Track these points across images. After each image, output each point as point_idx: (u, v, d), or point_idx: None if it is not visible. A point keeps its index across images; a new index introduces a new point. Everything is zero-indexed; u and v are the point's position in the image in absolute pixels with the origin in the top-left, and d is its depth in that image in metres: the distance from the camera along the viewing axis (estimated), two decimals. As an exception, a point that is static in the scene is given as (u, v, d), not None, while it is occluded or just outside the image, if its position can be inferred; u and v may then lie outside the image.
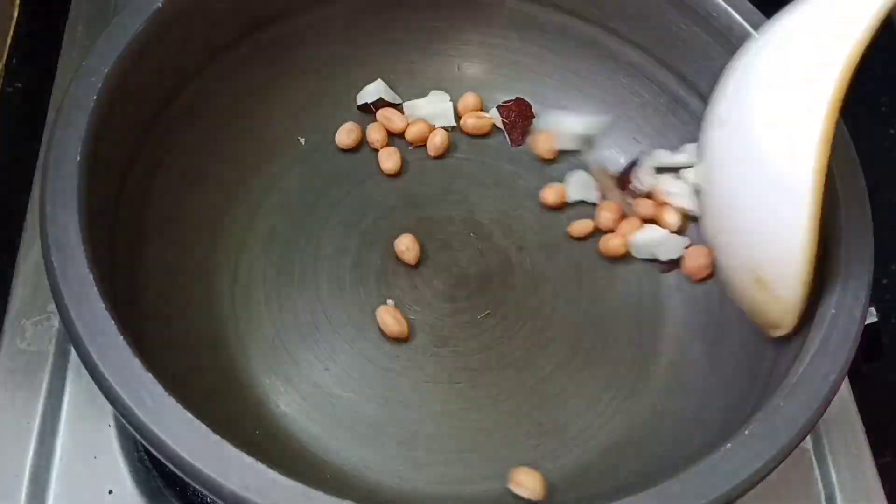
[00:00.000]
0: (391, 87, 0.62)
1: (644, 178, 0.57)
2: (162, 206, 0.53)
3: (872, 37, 0.40)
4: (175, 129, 0.54)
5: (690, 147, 0.57)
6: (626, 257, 0.58)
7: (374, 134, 0.60)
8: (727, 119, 0.46)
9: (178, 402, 0.38)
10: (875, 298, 0.48)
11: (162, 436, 0.38)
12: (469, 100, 0.62)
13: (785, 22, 0.45)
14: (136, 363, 0.39)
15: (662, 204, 0.57)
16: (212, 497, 0.38)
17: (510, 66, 0.63)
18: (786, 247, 0.42)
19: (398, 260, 0.56)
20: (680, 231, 0.57)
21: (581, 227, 0.58)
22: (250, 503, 0.37)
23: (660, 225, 0.57)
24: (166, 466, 0.39)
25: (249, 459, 0.37)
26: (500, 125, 0.62)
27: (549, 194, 0.59)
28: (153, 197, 0.52)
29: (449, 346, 0.54)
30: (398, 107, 0.62)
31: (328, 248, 0.56)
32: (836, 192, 0.47)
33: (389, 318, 0.53)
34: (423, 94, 0.62)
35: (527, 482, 0.49)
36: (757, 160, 0.43)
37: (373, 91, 0.61)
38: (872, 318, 0.55)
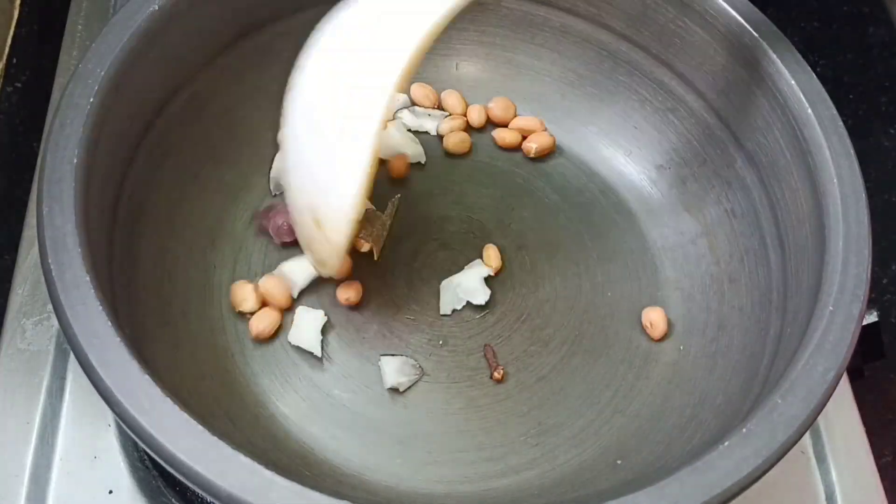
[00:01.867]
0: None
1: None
2: (160, 207, 0.53)
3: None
4: (173, 130, 0.54)
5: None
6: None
7: None
8: (308, 74, 0.49)
9: (175, 403, 0.38)
10: (875, 298, 0.48)
11: (160, 438, 0.38)
12: (454, 122, 0.62)
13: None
14: (134, 365, 0.39)
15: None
16: (211, 498, 0.38)
17: (508, 65, 0.63)
18: (342, 197, 0.47)
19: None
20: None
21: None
22: (248, 504, 0.37)
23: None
24: (166, 467, 0.39)
25: (248, 460, 0.37)
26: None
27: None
28: (151, 198, 0.52)
29: (448, 346, 0.54)
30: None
31: (327, 248, 0.57)
32: (836, 191, 0.47)
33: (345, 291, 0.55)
34: (422, 94, 0.62)
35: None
36: (330, 108, 0.47)
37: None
38: (873, 317, 0.55)
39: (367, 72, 0.46)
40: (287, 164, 0.50)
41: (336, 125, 0.47)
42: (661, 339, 0.55)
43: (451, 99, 0.62)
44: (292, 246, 0.55)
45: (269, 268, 0.55)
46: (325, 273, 0.53)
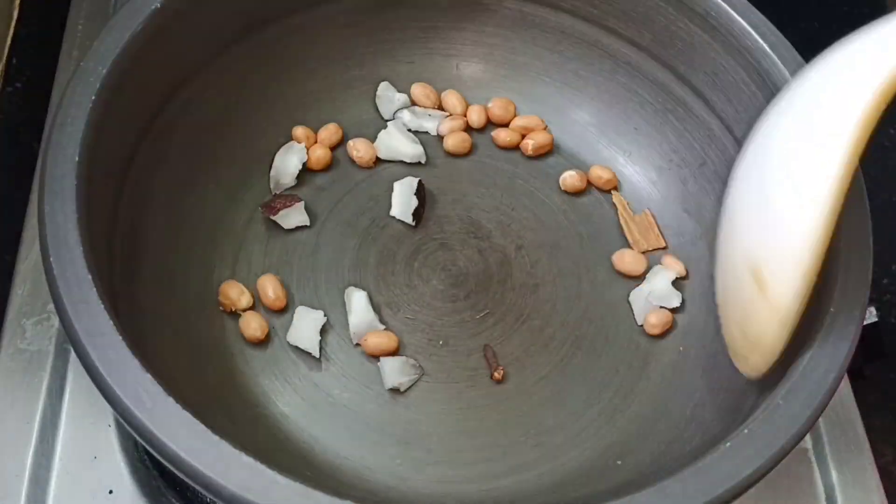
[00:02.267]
0: (393, 86, 0.62)
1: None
2: (161, 206, 0.53)
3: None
4: (174, 129, 0.54)
5: None
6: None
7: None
8: (770, 115, 0.45)
9: (177, 402, 0.38)
10: (875, 298, 0.48)
11: (161, 436, 0.38)
12: (454, 123, 0.62)
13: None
14: (135, 363, 0.39)
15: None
16: (212, 497, 0.38)
17: (509, 66, 0.63)
18: (792, 237, 0.41)
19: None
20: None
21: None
22: (250, 503, 0.37)
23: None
24: (166, 466, 0.39)
25: (249, 459, 0.37)
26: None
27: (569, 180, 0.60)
28: (152, 197, 0.52)
29: (448, 346, 0.54)
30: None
31: (327, 249, 0.56)
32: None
33: (375, 339, 0.53)
34: (422, 94, 0.62)
35: None
36: (786, 147, 0.43)
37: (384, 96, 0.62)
38: (873, 318, 0.55)
39: (827, 112, 0.41)
40: (727, 222, 0.46)
41: (794, 160, 0.42)
42: (661, 336, 0.55)
43: (451, 99, 0.62)
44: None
45: (270, 267, 0.55)
46: (751, 366, 0.46)
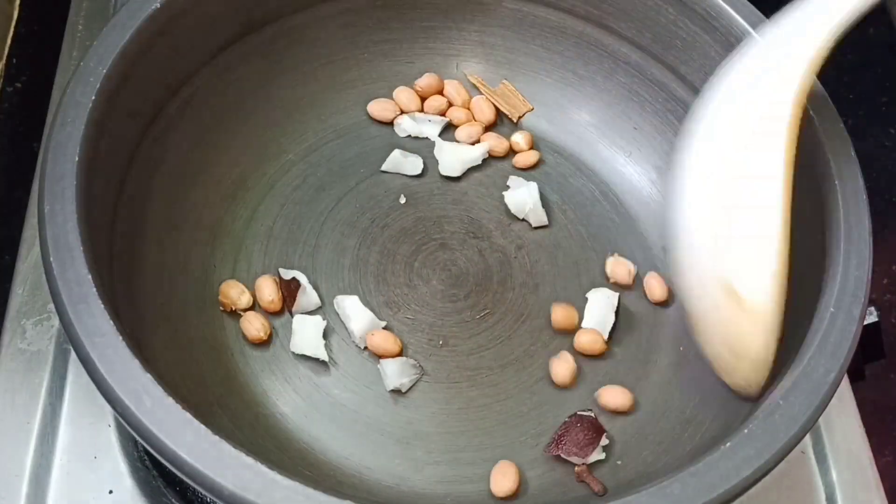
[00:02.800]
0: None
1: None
2: (161, 206, 0.53)
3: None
4: (174, 129, 0.54)
5: None
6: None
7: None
8: (703, 130, 0.46)
9: (176, 402, 0.38)
10: (875, 298, 0.48)
11: (161, 436, 0.38)
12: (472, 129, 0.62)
13: (755, 42, 0.47)
14: (135, 363, 0.39)
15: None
16: (212, 497, 0.38)
17: (509, 66, 0.63)
18: (758, 245, 0.42)
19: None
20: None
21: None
22: (250, 503, 0.37)
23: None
24: (166, 466, 0.39)
25: (249, 459, 0.37)
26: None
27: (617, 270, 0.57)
28: (152, 197, 0.52)
29: (448, 346, 0.54)
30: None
31: (327, 249, 0.57)
32: (836, 192, 0.47)
33: (380, 340, 0.53)
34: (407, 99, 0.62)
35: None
36: (729, 163, 0.44)
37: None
38: (873, 317, 0.55)
39: (760, 114, 0.43)
40: (680, 236, 0.46)
41: (739, 176, 0.42)
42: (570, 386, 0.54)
43: (451, 89, 0.63)
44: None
45: (269, 267, 0.55)
46: (743, 383, 0.46)
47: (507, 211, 0.59)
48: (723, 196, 0.44)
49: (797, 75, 0.42)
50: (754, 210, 0.42)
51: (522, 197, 0.59)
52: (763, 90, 0.43)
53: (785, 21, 0.45)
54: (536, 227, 0.59)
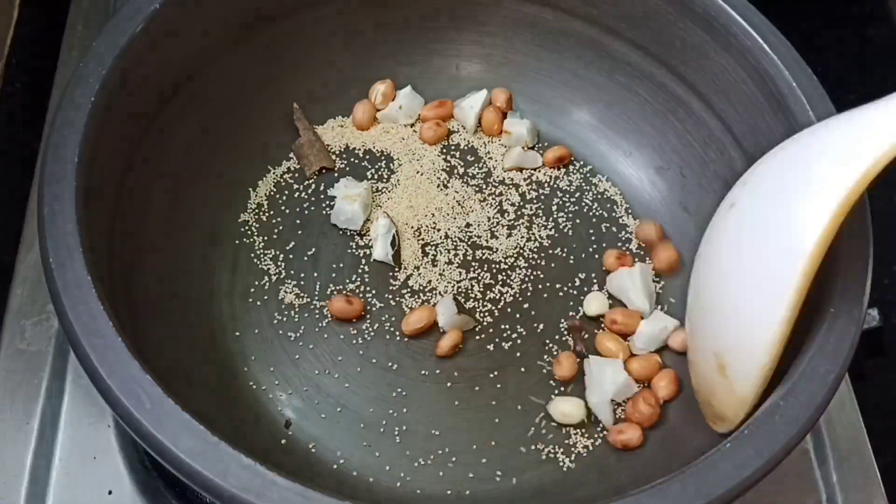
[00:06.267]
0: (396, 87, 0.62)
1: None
2: (161, 207, 0.53)
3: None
4: (173, 129, 0.54)
5: None
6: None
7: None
8: (738, 202, 0.47)
9: (176, 403, 0.38)
10: (876, 299, 0.48)
11: (160, 437, 0.38)
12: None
13: (812, 132, 0.46)
14: (135, 365, 0.39)
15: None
16: (211, 498, 0.38)
17: (508, 66, 0.63)
18: (756, 336, 0.43)
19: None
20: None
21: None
22: (249, 504, 0.37)
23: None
24: (166, 467, 0.39)
25: (249, 460, 0.37)
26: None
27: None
28: (152, 197, 0.52)
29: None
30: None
31: (327, 249, 0.56)
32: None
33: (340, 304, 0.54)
34: (423, 94, 0.62)
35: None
36: (752, 252, 0.44)
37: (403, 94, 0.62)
38: (874, 321, 0.55)
39: (794, 218, 0.43)
40: (694, 298, 0.48)
41: (759, 265, 0.43)
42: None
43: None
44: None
45: (270, 266, 0.55)
46: (721, 429, 0.48)
47: (507, 212, 0.59)
48: (738, 275, 0.45)
49: (844, 186, 0.41)
50: (763, 301, 0.43)
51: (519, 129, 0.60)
52: (807, 190, 0.43)
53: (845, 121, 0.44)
54: (535, 225, 0.59)
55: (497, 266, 0.57)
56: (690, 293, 0.50)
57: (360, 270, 0.56)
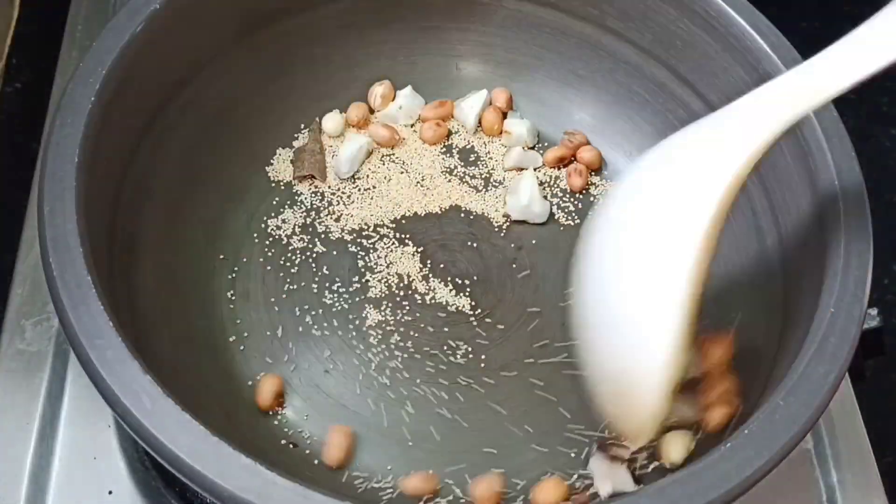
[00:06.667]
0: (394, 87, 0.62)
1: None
2: (161, 207, 0.53)
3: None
4: (174, 129, 0.54)
5: None
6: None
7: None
8: (608, 230, 0.46)
9: (176, 403, 0.38)
10: (876, 298, 0.48)
11: (161, 437, 0.38)
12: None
13: (676, 139, 0.46)
14: (135, 365, 0.39)
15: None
16: (211, 498, 0.38)
17: (509, 66, 0.63)
18: (648, 366, 0.43)
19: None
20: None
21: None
22: (249, 504, 0.37)
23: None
24: (166, 467, 0.38)
25: (249, 460, 0.37)
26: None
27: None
28: (152, 197, 0.52)
29: (448, 347, 0.54)
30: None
31: (328, 249, 0.56)
32: (836, 192, 0.47)
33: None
34: (423, 94, 0.62)
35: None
36: (632, 273, 0.44)
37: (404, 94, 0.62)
38: (874, 321, 0.55)
39: (671, 223, 0.42)
40: (581, 331, 0.47)
41: (637, 282, 0.43)
42: None
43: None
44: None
45: (267, 270, 0.55)
46: (640, 443, 0.48)
47: (506, 212, 0.59)
48: (621, 300, 0.44)
49: (719, 188, 0.41)
50: (646, 328, 0.43)
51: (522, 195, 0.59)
52: (677, 207, 0.43)
53: (701, 133, 0.45)
54: (535, 224, 0.59)
55: (496, 267, 0.57)
56: (574, 316, 0.48)
57: (361, 270, 0.56)
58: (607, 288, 0.45)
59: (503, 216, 0.59)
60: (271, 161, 0.59)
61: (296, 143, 0.60)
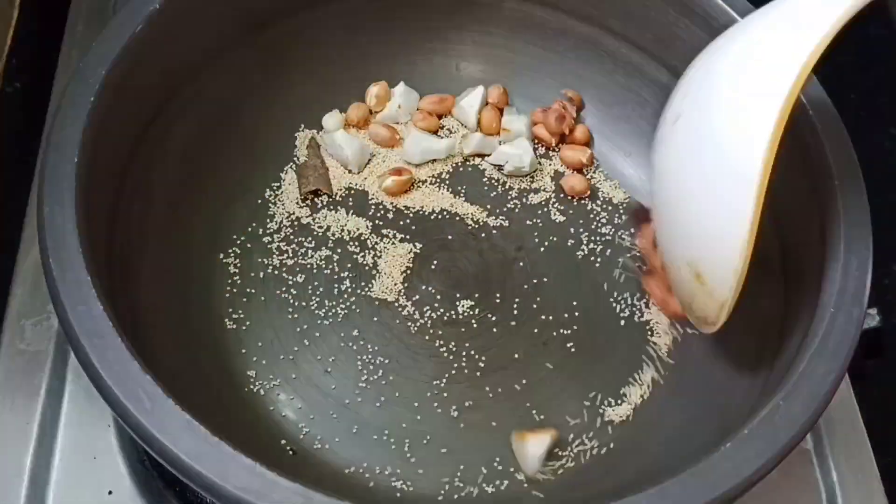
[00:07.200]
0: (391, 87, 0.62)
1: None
2: (160, 207, 0.53)
3: (828, 44, 0.41)
4: (173, 130, 0.54)
5: None
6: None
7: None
8: (684, 114, 0.47)
9: (176, 403, 0.38)
10: (876, 299, 0.48)
11: (161, 438, 0.38)
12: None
13: (748, 24, 0.47)
14: (135, 365, 0.39)
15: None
16: (211, 499, 0.38)
17: (509, 66, 0.63)
18: (725, 243, 0.44)
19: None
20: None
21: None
22: (249, 505, 0.37)
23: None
24: (166, 467, 0.39)
25: (249, 461, 0.37)
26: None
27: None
28: (151, 198, 0.52)
29: (448, 347, 0.54)
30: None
31: (328, 249, 0.56)
32: (836, 192, 0.47)
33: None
34: (423, 94, 0.63)
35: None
36: (708, 154, 0.45)
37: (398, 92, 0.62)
38: (874, 321, 0.55)
39: (745, 114, 0.43)
40: (660, 217, 0.49)
41: (716, 172, 0.44)
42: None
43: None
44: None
45: (267, 270, 0.55)
46: (706, 330, 0.50)
47: (507, 212, 0.59)
48: (697, 187, 0.46)
49: (791, 74, 0.42)
50: (726, 208, 0.44)
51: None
52: (753, 84, 0.43)
53: (778, 11, 0.45)
54: (535, 224, 0.59)
55: (497, 267, 0.57)
56: (653, 208, 0.51)
57: (361, 270, 0.56)
58: (686, 177, 0.46)
59: (494, 167, 0.61)
60: (271, 161, 0.59)
61: (296, 143, 0.60)
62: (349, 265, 0.56)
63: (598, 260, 0.58)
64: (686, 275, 0.47)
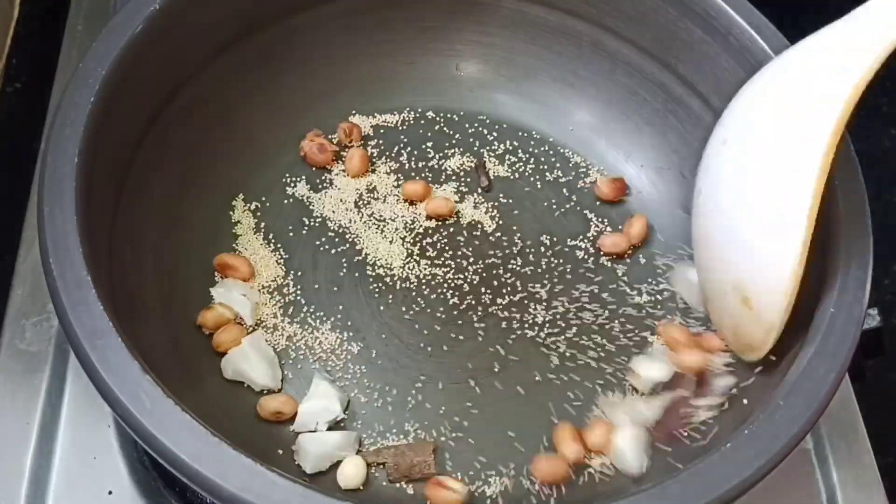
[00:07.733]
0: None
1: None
2: (161, 207, 0.53)
3: (876, 72, 0.41)
4: (173, 130, 0.54)
5: None
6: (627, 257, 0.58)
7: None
8: (732, 139, 0.47)
9: (176, 403, 0.38)
10: (876, 298, 0.48)
11: (160, 438, 0.38)
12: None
13: (797, 51, 0.47)
14: (135, 365, 0.39)
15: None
16: (211, 499, 0.38)
17: (508, 66, 0.63)
18: (775, 265, 0.44)
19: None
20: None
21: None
22: (249, 504, 0.37)
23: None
24: (166, 467, 0.39)
25: (249, 461, 0.37)
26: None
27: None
28: (152, 198, 0.52)
29: (448, 347, 0.54)
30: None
31: (328, 247, 0.57)
32: (836, 192, 0.47)
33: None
34: (422, 94, 0.62)
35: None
36: (757, 181, 0.45)
37: None
38: (874, 321, 0.55)
39: (797, 136, 0.43)
40: (702, 237, 0.48)
41: (767, 194, 0.44)
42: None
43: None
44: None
45: (268, 268, 0.55)
46: (751, 358, 0.48)
47: (507, 212, 0.59)
48: (747, 206, 0.45)
49: (840, 101, 0.42)
50: (778, 227, 0.43)
51: None
52: (801, 113, 0.43)
53: (828, 38, 0.45)
54: (535, 224, 0.59)
55: (495, 269, 0.57)
56: (694, 232, 0.50)
57: (361, 270, 0.56)
58: (733, 199, 0.46)
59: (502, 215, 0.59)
60: (271, 161, 0.59)
61: (297, 142, 0.60)
62: (350, 263, 0.56)
63: (601, 259, 0.58)
64: (732, 300, 0.47)
